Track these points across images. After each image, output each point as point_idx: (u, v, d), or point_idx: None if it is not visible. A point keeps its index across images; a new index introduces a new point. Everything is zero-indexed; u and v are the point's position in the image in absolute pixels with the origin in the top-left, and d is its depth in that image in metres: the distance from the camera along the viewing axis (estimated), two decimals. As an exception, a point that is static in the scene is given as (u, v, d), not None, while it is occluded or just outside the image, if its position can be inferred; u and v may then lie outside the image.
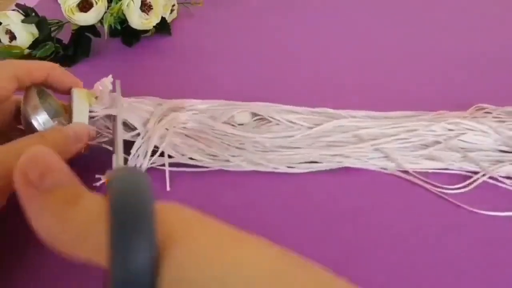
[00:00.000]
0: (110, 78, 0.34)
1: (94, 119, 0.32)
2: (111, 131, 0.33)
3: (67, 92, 0.32)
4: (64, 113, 0.31)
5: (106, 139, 0.33)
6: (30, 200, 0.15)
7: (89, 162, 0.32)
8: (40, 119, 0.29)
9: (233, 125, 0.36)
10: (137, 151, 0.32)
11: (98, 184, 0.32)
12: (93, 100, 0.33)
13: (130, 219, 0.13)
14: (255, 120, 0.37)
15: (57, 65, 0.32)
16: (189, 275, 0.12)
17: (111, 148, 0.32)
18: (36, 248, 0.28)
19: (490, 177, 0.33)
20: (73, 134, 0.29)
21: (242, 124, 0.36)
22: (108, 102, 0.33)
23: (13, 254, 0.27)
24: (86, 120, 0.31)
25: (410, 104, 0.40)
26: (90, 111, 0.32)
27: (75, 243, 0.14)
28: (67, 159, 0.29)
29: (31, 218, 0.14)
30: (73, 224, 0.14)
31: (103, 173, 0.32)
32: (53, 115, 0.30)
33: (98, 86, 0.34)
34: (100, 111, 0.32)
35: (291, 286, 0.13)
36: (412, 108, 0.40)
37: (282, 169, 0.33)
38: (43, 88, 0.32)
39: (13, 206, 0.31)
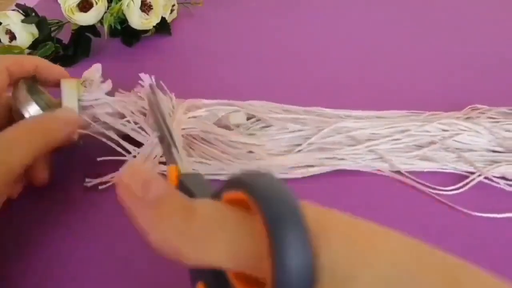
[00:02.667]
0: (98, 66, 0.35)
1: (85, 107, 0.32)
2: (103, 121, 0.33)
3: (57, 85, 0.32)
4: (56, 108, 0.31)
5: (100, 130, 0.32)
6: (140, 213, 0.14)
7: (81, 160, 0.33)
8: (31, 111, 0.29)
9: (228, 127, 0.35)
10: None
11: (88, 185, 0.32)
12: (82, 88, 0.33)
13: (289, 217, 0.13)
14: (249, 121, 0.37)
15: (43, 59, 0.32)
16: (345, 262, 0.13)
17: (103, 139, 0.32)
18: (36, 248, 0.28)
19: (485, 178, 0.33)
20: (62, 117, 0.29)
21: (237, 126, 0.36)
22: (97, 90, 0.33)
23: (13, 254, 0.28)
24: (75, 108, 0.31)
25: (406, 104, 0.40)
26: (79, 100, 0.32)
27: (200, 251, 0.14)
28: (59, 143, 0.29)
29: (145, 231, 0.14)
30: (197, 233, 0.14)
31: (94, 174, 0.32)
32: (44, 109, 0.30)
33: (87, 74, 0.34)
34: (88, 96, 0.33)
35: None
36: (408, 108, 0.40)
37: (277, 175, 0.33)
38: (34, 83, 0.31)
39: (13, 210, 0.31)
